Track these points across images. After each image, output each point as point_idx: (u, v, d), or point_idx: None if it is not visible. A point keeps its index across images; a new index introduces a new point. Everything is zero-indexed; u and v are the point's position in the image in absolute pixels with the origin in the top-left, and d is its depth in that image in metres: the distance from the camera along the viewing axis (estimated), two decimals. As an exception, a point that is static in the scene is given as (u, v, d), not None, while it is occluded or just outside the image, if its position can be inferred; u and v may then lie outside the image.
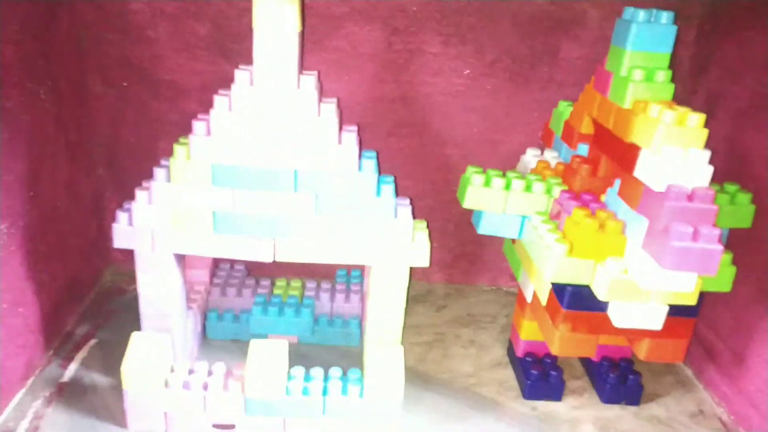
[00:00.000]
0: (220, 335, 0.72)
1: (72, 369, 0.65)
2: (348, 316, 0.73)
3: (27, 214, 0.61)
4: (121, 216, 0.56)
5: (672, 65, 0.56)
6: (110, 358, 0.66)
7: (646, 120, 0.52)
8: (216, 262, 0.78)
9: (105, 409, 0.60)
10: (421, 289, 0.86)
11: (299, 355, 0.68)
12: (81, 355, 0.67)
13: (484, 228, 0.63)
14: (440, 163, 0.80)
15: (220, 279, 0.74)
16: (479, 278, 0.88)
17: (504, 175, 0.62)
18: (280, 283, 0.76)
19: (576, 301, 0.57)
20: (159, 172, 0.54)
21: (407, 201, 0.58)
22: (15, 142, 0.58)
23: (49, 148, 0.65)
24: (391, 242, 0.57)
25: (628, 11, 0.57)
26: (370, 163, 0.55)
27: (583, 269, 0.54)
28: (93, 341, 0.69)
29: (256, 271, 0.82)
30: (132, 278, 0.58)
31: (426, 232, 0.58)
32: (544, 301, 0.62)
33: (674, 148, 0.50)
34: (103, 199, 0.80)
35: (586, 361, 0.72)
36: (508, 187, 0.61)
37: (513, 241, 0.72)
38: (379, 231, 0.56)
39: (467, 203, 0.62)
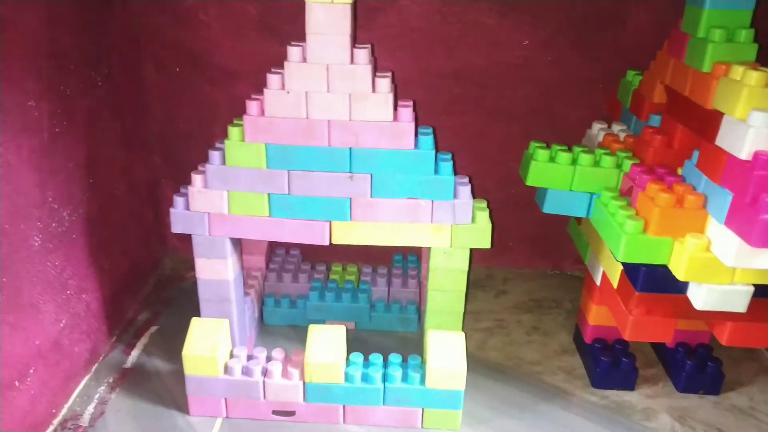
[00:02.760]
0: (278, 321, 0.71)
1: (134, 355, 0.65)
2: (405, 302, 0.71)
3: (87, 201, 0.62)
4: (178, 201, 0.56)
5: (754, 23, 0.51)
6: (171, 345, 0.66)
7: (729, 83, 0.48)
8: (272, 248, 0.77)
9: (167, 394, 0.60)
10: (480, 273, 0.83)
11: (357, 341, 0.67)
12: (143, 341, 0.67)
13: (549, 206, 0.59)
14: (498, 140, 0.76)
15: (276, 264, 0.74)
16: (542, 262, 0.84)
17: (569, 149, 0.59)
18: (336, 268, 0.75)
19: (651, 282, 0.53)
20: (214, 155, 0.54)
21: (466, 179, 0.55)
22: (74, 129, 0.59)
23: (105, 136, 0.66)
24: (451, 224, 0.54)
25: (705, -33, 0.52)
26: (427, 140, 0.52)
27: (660, 248, 0.51)
28: (154, 328, 0.70)
29: (311, 256, 0.81)
30: (190, 265, 0.58)
31: (487, 212, 0.55)
32: (615, 283, 0.58)
33: (761, 113, 0.45)
34: (158, 186, 0.80)
35: (660, 347, 0.68)
36: (574, 162, 0.58)
37: (579, 220, 0.68)
38: (437, 212, 0.54)
39: (531, 180, 0.58)
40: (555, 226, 0.81)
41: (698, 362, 0.62)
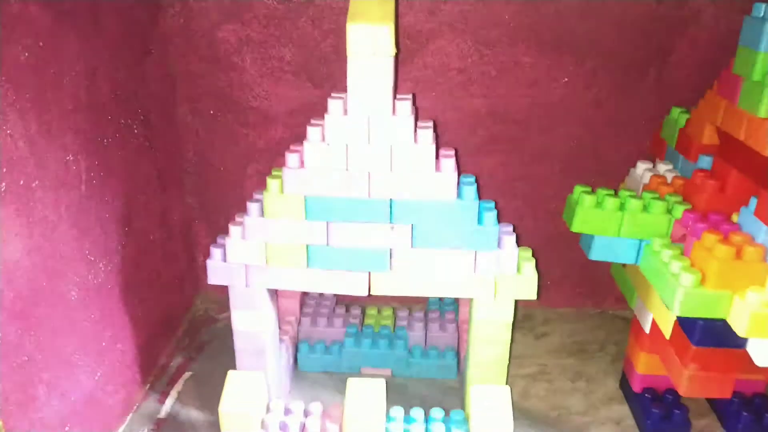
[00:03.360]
0: (312, 367, 0.69)
1: (168, 404, 0.64)
2: (443, 347, 0.69)
3: (123, 249, 0.61)
4: (215, 252, 0.55)
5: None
6: (206, 392, 0.65)
7: (791, 130, 0.45)
8: (305, 291, 0.76)
9: (202, 448, 0.59)
10: (518, 314, 0.80)
11: (394, 388, 0.65)
12: (177, 389, 0.66)
13: (595, 253, 0.57)
14: (537, 179, 0.74)
15: (310, 308, 0.72)
16: (582, 301, 0.81)
17: (616, 194, 0.57)
18: (371, 311, 0.73)
19: (708, 336, 0.50)
20: (252, 207, 0.53)
21: (510, 228, 0.54)
22: (111, 179, 0.58)
23: (141, 182, 0.65)
24: (496, 274, 0.52)
25: (759, 8, 0.50)
26: (470, 190, 0.51)
27: (718, 302, 0.48)
28: (188, 374, 0.69)
29: (345, 298, 0.80)
30: (223, 306, 0.57)
31: (533, 262, 0.53)
32: (667, 334, 0.55)
33: (829, 162, 0.43)
34: (192, 226, 0.80)
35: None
36: (622, 207, 0.56)
37: (623, 264, 0.66)
38: (481, 262, 0.52)
39: (576, 227, 0.56)
40: (596, 264, 0.78)
41: (755, 413, 0.59)
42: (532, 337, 0.76)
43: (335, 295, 0.77)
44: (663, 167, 0.64)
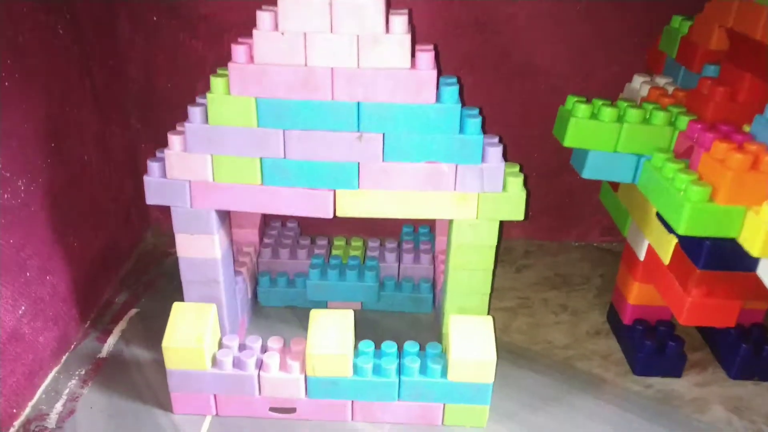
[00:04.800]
0: (274, 302, 0.63)
1: (110, 343, 0.57)
2: (418, 279, 0.63)
3: (49, 169, 0.53)
4: (153, 167, 0.47)
5: None
6: (153, 331, 0.59)
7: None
8: (266, 220, 0.69)
9: (148, 390, 0.52)
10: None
11: (364, 323, 0.59)
12: (120, 327, 0.59)
13: (589, 171, 0.51)
14: (521, 98, 0.67)
15: (271, 239, 0.65)
16: (565, 233, 0.76)
17: (613, 104, 0.50)
18: (339, 242, 0.67)
19: (715, 258, 0.45)
20: (194, 113, 0.45)
21: (496, 139, 0.47)
22: (30, 85, 0.50)
23: (73, 96, 0.57)
24: (479, 192, 0.46)
25: None
26: (451, 92, 0.44)
27: (730, 218, 0.42)
28: (133, 311, 0.62)
29: (310, 229, 0.73)
30: (175, 238, 0.50)
31: (521, 178, 0.47)
32: (666, 259, 0.50)
33: None
34: (138, 153, 0.71)
35: (708, 328, 0.60)
36: (620, 119, 0.49)
37: (615, 187, 0.60)
38: (463, 178, 0.45)
39: (569, 140, 0.50)
40: (581, 194, 0.73)
41: (753, 345, 0.55)
42: (512, 270, 0.71)
43: (299, 224, 0.70)
44: (662, 80, 0.58)
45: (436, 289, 0.62)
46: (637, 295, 0.57)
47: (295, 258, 0.64)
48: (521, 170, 0.48)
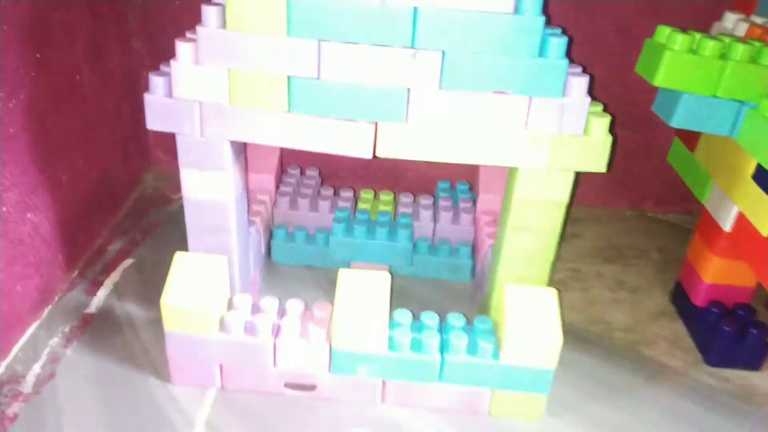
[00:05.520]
0: (289, 259, 0.55)
1: (101, 297, 0.49)
2: (456, 242, 0.55)
3: (32, 84, 0.44)
4: (157, 82, 0.38)
5: None
6: (151, 285, 0.51)
7: None
8: (282, 166, 0.60)
9: (143, 354, 0.44)
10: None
11: (393, 292, 0.51)
12: (113, 279, 0.51)
13: (680, 118, 0.42)
14: (583, 37, 0.58)
15: (289, 187, 0.57)
16: (617, 200, 0.68)
17: (717, 38, 0.41)
18: (367, 195, 0.58)
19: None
20: (209, 13, 0.36)
21: (580, 69, 0.38)
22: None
23: (62, 2, 0.48)
24: (554, 134, 0.37)
25: None
26: (533, 1, 0.34)
27: None
28: (129, 262, 0.54)
29: (332, 180, 0.65)
30: (179, 184, 0.41)
31: (607, 119, 0.38)
32: (765, 229, 0.42)
33: None
34: (139, 80, 0.62)
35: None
36: (723, 56, 0.40)
37: (691, 144, 0.52)
38: (537, 114, 0.37)
39: (661, 78, 0.41)
40: (638, 155, 0.64)
41: None
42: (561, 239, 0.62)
43: (320, 173, 0.62)
44: (759, 19, 0.48)
45: (477, 255, 0.54)
46: (716, 272, 0.49)
47: (316, 210, 0.55)
48: (605, 110, 0.39)
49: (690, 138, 0.52)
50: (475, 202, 0.57)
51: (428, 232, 0.55)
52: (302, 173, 0.61)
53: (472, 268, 0.54)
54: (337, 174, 0.65)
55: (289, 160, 0.64)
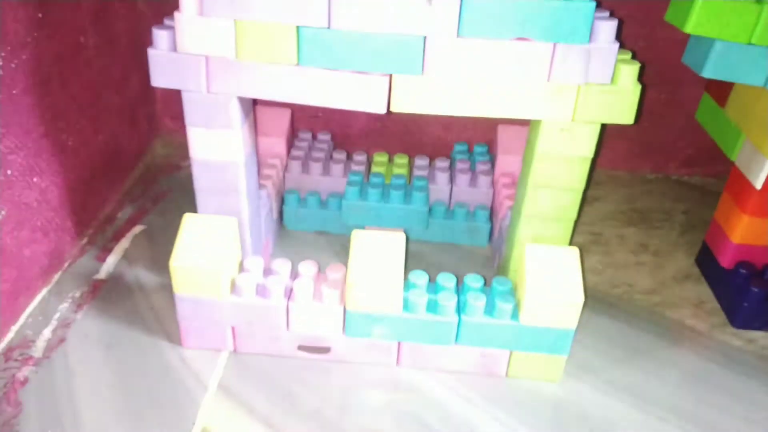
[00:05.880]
0: (301, 225, 0.54)
1: (111, 263, 0.49)
2: (473, 206, 0.54)
3: (35, 44, 0.43)
4: (161, 36, 0.37)
5: None
6: (161, 252, 0.50)
7: None
8: (293, 129, 0.59)
9: (154, 318, 0.44)
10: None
11: (408, 257, 0.50)
12: (123, 245, 0.51)
13: (713, 67, 0.40)
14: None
15: (301, 151, 0.55)
16: (640, 163, 0.65)
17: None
18: (380, 158, 0.56)
19: None
20: (212, -41, 0.34)
21: (607, 13, 0.36)
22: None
23: (63, -44, 0.46)
24: (580, 83, 0.35)
25: None
26: (557, -60, 0.32)
27: None
28: (139, 228, 0.53)
29: (344, 144, 0.63)
30: (188, 151, 0.40)
31: (636, 66, 0.36)
32: (801, 185, 0.40)
33: None
34: (146, 44, 0.60)
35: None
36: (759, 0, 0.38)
37: (722, 99, 0.49)
38: (562, 61, 0.35)
39: (693, 24, 0.38)
40: (663, 115, 0.62)
41: None
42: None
43: (333, 136, 0.60)
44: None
45: (495, 218, 0.52)
46: (745, 232, 0.47)
47: (329, 174, 0.54)
48: (634, 57, 0.37)
49: (720, 92, 0.50)
50: (493, 164, 0.55)
51: (444, 196, 0.54)
52: (314, 137, 0.59)
53: (490, 232, 0.53)
54: (349, 138, 0.63)
55: (300, 124, 0.63)
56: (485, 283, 0.40)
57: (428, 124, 0.63)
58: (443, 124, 0.63)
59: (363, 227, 0.52)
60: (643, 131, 0.63)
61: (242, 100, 0.39)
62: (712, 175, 0.65)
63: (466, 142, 0.60)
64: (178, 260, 0.38)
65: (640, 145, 0.64)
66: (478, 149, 0.58)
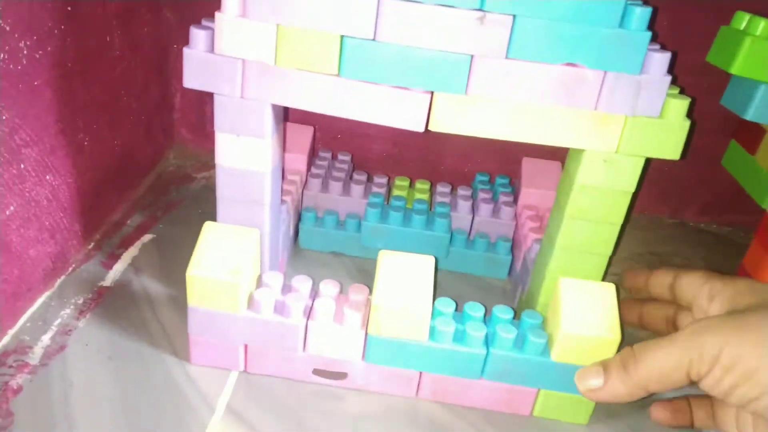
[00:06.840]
0: (317, 245, 0.52)
1: (117, 270, 0.46)
2: (495, 237, 0.52)
3: (61, 37, 0.41)
4: (198, 36, 0.35)
5: None
6: (171, 262, 0.48)
7: None
8: (314, 147, 0.58)
9: (161, 331, 0.41)
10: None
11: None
12: (131, 253, 0.49)
13: (757, 109, 0.39)
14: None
15: (321, 169, 0.54)
16: (657, 207, 0.64)
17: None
18: (401, 182, 0.55)
19: None
20: (261, -39, 0.33)
21: (657, 46, 0.35)
22: None
23: (98, -46, 0.45)
24: (629, 114, 0.34)
25: None
26: (617, -34, 0.32)
27: None
28: (148, 237, 0.51)
29: (363, 167, 0.62)
30: (202, 163, 0.39)
31: (686, 102, 0.35)
32: (843, 235, 0.39)
33: None
34: (168, 54, 0.60)
35: None
36: (811, 43, 0.38)
37: (752, 147, 0.49)
38: (611, 91, 0.34)
39: (739, 66, 0.38)
40: (678, 162, 0.61)
41: None
42: (598, 242, 0.59)
43: (353, 158, 0.59)
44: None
45: (518, 250, 0.50)
46: (778, 282, 0.45)
47: (349, 194, 0.52)
48: (682, 92, 0.36)
49: (751, 139, 0.49)
50: (516, 196, 0.54)
51: (465, 225, 0.52)
52: (334, 157, 0.58)
53: (510, 264, 0.51)
54: (366, 163, 0.62)
55: (321, 143, 0.62)
56: (515, 316, 0.39)
57: (446, 153, 0.62)
58: (461, 154, 0.62)
59: (380, 251, 0.51)
60: (664, 174, 0.62)
61: (275, 109, 0.38)
62: (732, 224, 0.64)
63: (488, 172, 0.58)
64: (195, 270, 0.36)
65: (659, 188, 0.63)
66: (500, 180, 0.57)
